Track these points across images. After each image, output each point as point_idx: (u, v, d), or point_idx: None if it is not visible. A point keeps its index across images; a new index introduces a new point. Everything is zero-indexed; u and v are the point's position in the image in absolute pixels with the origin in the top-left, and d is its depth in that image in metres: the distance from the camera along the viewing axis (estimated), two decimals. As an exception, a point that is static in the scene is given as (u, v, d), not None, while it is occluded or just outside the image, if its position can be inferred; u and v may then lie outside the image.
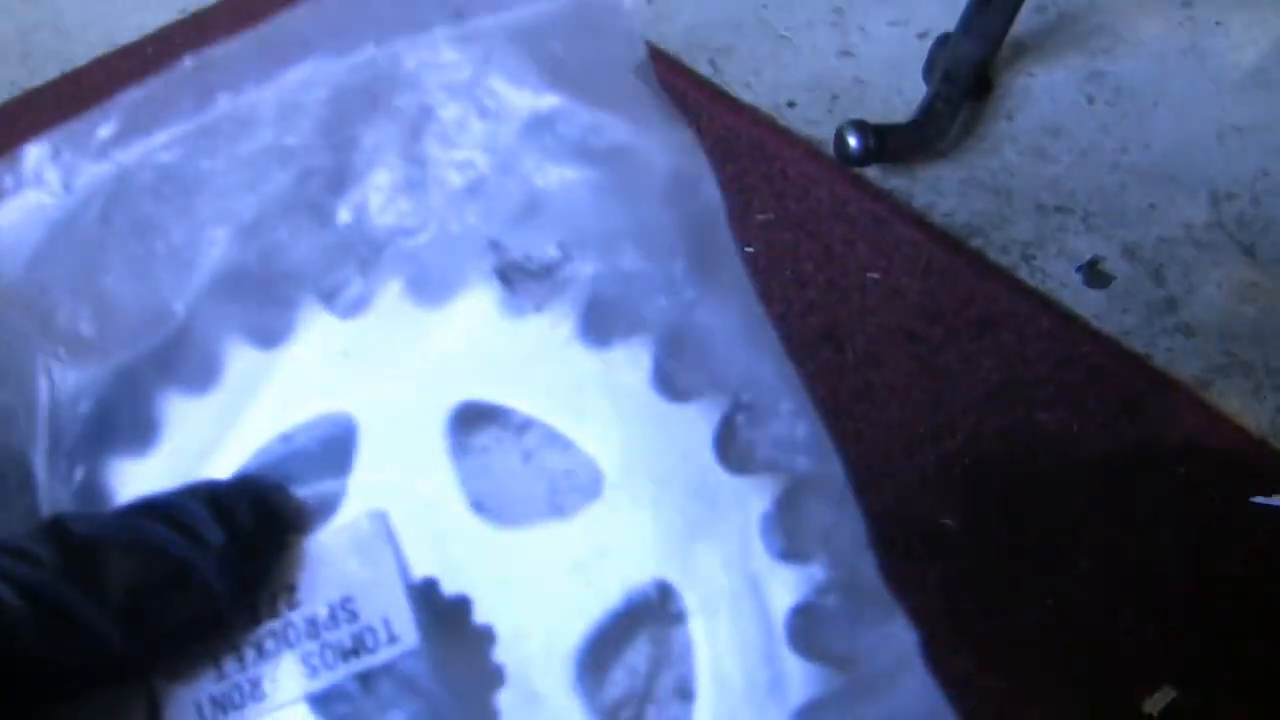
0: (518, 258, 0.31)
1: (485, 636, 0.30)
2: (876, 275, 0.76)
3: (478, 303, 0.31)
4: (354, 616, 0.31)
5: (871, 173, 0.78)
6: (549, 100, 0.31)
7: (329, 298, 0.32)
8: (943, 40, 0.80)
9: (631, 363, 0.31)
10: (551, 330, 0.31)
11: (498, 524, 0.31)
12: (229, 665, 0.31)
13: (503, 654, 0.30)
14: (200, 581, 0.28)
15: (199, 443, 0.32)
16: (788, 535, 0.30)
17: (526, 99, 0.32)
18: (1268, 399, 0.72)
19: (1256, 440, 0.71)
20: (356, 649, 0.30)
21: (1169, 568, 0.68)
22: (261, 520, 0.30)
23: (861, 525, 0.31)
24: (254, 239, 0.31)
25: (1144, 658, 0.66)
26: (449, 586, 0.31)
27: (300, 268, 0.32)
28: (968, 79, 0.79)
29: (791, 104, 0.81)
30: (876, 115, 0.78)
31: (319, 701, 0.30)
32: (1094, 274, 0.76)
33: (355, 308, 0.32)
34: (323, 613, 0.31)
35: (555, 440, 0.31)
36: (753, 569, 0.30)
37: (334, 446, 0.32)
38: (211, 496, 0.29)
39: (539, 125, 0.31)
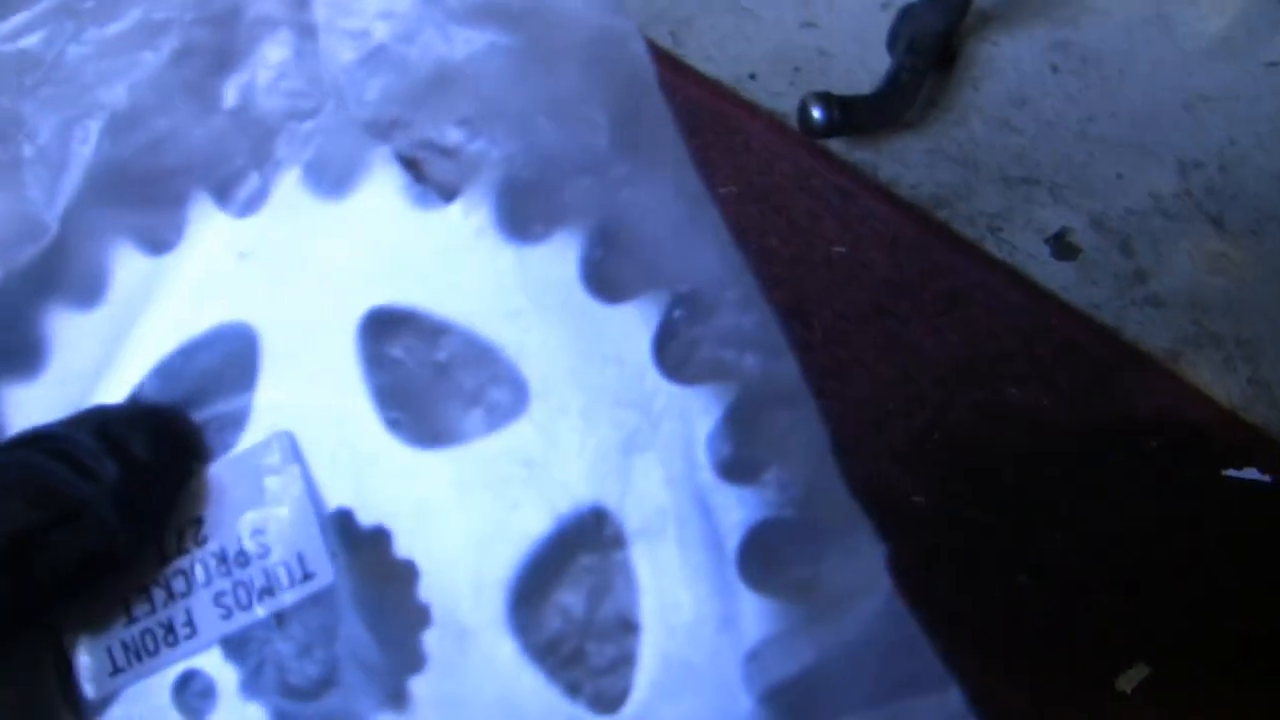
0: (423, 139, 0.28)
1: (407, 571, 0.28)
2: (843, 249, 0.75)
3: (382, 192, 0.28)
4: (265, 551, 0.28)
5: (836, 145, 0.77)
6: None
7: (220, 193, 0.29)
8: (907, 10, 0.79)
9: (556, 256, 0.28)
10: (464, 221, 0.28)
11: (414, 444, 0.28)
12: (138, 608, 0.29)
13: (427, 590, 0.28)
14: (93, 519, 0.26)
15: (91, 361, 0.30)
16: (738, 447, 0.27)
17: None
18: (1238, 370, 0.71)
19: (1227, 412, 0.70)
20: (271, 587, 0.28)
21: (1141, 543, 0.67)
22: (159, 449, 0.28)
23: (821, 430, 0.27)
24: (131, 132, 0.29)
25: (1118, 634, 0.65)
26: (365, 516, 0.28)
27: (186, 161, 0.29)
28: (932, 49, 0.77)
29: (754, 76, 0.79)
30: (840, 87, 0.77)
31: (232, 645, 0.28)
32: (1062, 246, 0.75)
33: (250, 204, 0.29)
34: (232, 548, 0.28)
35: (474, 347, 0.28)
36: (699, 487, 0.27)
37: (235, 361, 0.29)
38: (101, 425, 0.27)
39: None
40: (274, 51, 0.29)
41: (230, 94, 0.29)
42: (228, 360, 0.29)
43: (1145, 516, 0.68)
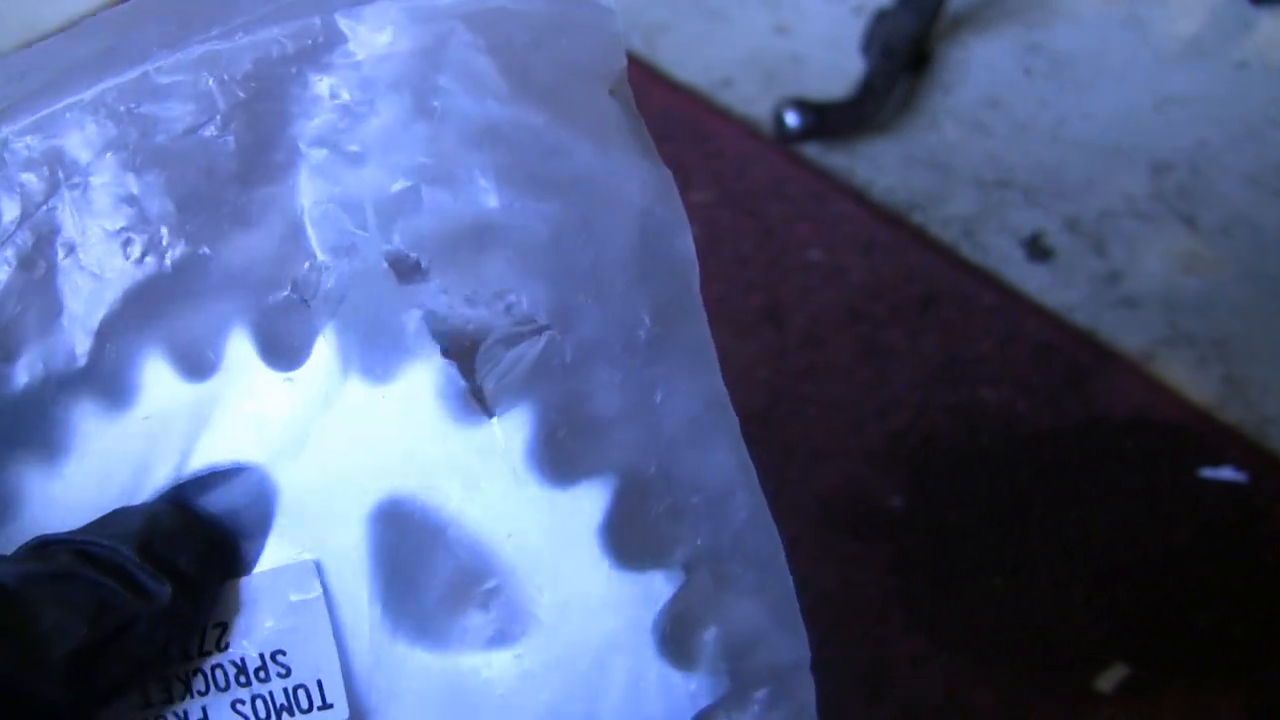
0: (455, 295, 0.27)
1: None
2: (818, 254, 0.75)
3: (421, 386, 0.28)
4: (287, 671, 0.29)
5: (810, 150, 0.77)
6: (507, 108, 0.28)
7: (263, 338, 0.28)
8: (880, 15, 0.79)
9: (581, 506, 0.28)
10: (499, 444, 0.28)
11: (416, 645, 0.29)
12: (155, 695, 0.29)
13: None
14: (146, 633, 0.26)
15: (111, 464, 0.29)
16: None
17: (481, 104, 0.28)
18: (1212, 369, 0.71)
19: (1202, 412, 0.71)
20: (290, 707, 0.29)
21: (1118, 543, 0.68)
22: (204, 564, 0.28)
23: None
24: (176, 249, 0.28)
25: (1095, 634, 0.65)
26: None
27: (228, 288, 0.28)
28: (905, 53, 0.78)
29: (728, 82, 0.79)
30: (814, 92, 0.77)
31: None
32: (1036, 248, 0.75)
33: (292, 359, 0.29)
34: (253, 662, 0.29)
35: (488, 568, 0.28)
36: None
37: (251, 505, 0.29)
38: (147, 540, 0.27)
39: (491, 137, 0.28)
40: (317, 174, 0.28)
41: (274, 218, 0.28)
42: (243, 501, 0.29)
43: (1121, 517, 0.68)
